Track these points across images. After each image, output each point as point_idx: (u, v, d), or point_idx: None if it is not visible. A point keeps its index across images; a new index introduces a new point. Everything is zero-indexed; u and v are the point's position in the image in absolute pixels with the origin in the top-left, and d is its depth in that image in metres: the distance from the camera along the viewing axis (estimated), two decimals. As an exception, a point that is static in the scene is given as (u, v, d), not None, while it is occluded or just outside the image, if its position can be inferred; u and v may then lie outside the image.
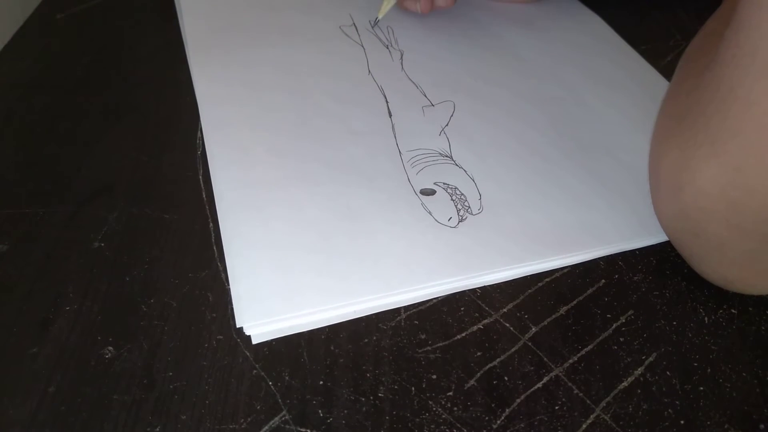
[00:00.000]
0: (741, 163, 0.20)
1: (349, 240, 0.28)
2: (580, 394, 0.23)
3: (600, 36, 0.43)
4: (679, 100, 0.24)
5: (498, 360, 0.24)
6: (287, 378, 0.23)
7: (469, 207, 0.30)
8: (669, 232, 0.26)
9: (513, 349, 0.25)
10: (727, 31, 0.21)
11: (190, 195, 0.30)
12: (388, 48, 0.40)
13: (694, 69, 0.24)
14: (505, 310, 0.26)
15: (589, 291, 0.27)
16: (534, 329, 0.25)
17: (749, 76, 0.19)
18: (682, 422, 0.23)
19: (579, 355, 0.25)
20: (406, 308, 0.26)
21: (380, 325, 0.25)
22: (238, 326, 0.24)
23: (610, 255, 0.28)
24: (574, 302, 0.26)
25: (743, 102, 0.20)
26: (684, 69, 0.26)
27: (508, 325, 0.26)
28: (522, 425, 0.22)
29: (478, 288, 0.27)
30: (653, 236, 0.29)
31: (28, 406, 0.22)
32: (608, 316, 0.26)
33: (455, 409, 0.23)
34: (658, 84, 0.38)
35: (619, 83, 0.38)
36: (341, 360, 0.24)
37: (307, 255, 0.27)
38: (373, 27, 0.41)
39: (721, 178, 0.21)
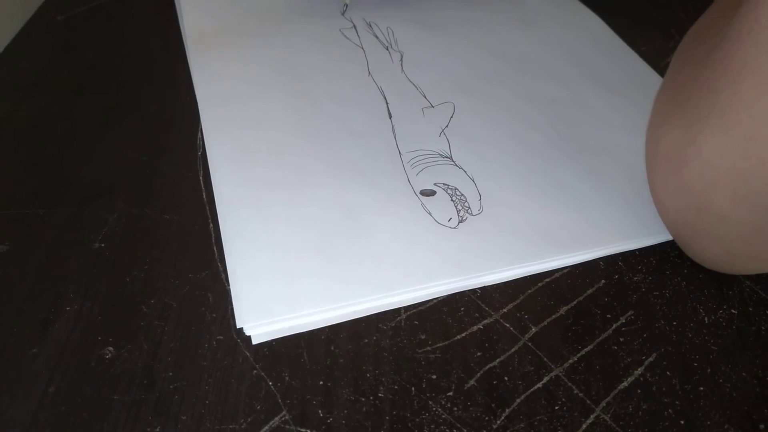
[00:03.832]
0: (753, 133, 0.21)
1: (349, 241, 0.28)
2: (580, 394, 0.23)
3: (599, 36, 0.43)
4: (680, 84, 0.25)
5: (498, 360, 0.24)
6: (287, 378, 0.23)
7: (469, 207, 0.30)
8: (669, 214, 0.26)
9: (513, 349, 0.25)
10: (741, 8, 0.21)
11: (191, 195, 0.30)
12: (387, 49, 0.40)
13: (694, 56, 0.25)
14: (505, 310, 0.26)
15: (589, 291, 0.27)
16: (534, 329, 0.25)
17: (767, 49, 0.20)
18: (682, 422, 0.23)
19: (579, 355, 0.25)
20: (406, 308, 0.26)
21: (380, 325, 0.25)
22: (238, 326, 0.24)
23: (610, 255, 0.28)
24: (574, 302, 0.27)
25: (758, 73, 0.20)
26: (681, 58, 0.27)
27: (508, 325, 0.26)
28: (522, 425, 0.22)
29: (478, 288, 0.27)
30: (653, 236, 0.29)
31: (28, 406, 0.22)
32: (608, 316, 0.26)
33: (455, 409, 0.23)
34: (657, 84, 0.38)
35: (619, 83, 0.38)
36: (341, 360, 0.24)
37: (307, 255, 0.27)
38: (342, 14, 0.42)
39: (731, 149, 0.21)
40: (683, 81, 0.25)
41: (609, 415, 0.23)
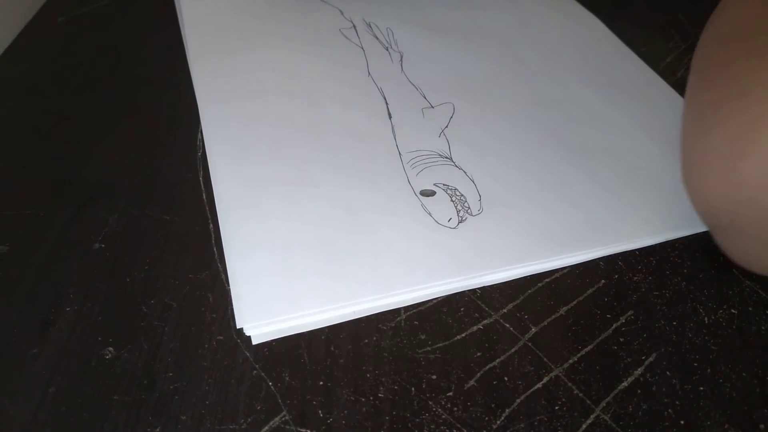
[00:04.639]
0: None
1: (349, 241, 0.28)
2: (580, 394, 0.23)
3: (599, 38, 0.43)
4: (732, 78, 0.24)
5: (498, 360, 0.24)
6: (287, 378, 0.23)
7: (469, 208, 0.30)
8: (710, 201, 0.25)
9: (513, 350, 0.25)
10: None
11: (191, 196, 0.30)
12: (387, 50, 0.40)
13: (746, 51, 0.24)
14: (504, 310, 0.26)
15: (589, 291, 0.27)
16: (534, 329, 0.25)
17: None
18: (682, 422, 0.23)
19: (579, 355, 0.25)
20: (406, 309, 0.26)
21: (380, 325, 0.25)
22: (238, 327, 0.24)
23: (610, 255, 0.28)
24: (574, 302, 0.27)
25: None
26: (726, 51, 0.25)
27: (508, 325, 0.26)
28: (522, 425, 0.22)
29: (477, 288, 0.27)
30: (653, 236, 0.29)
31: (28, 407, 0.22)
32: (608, 316, 0.26)
33: (455, 409, 0.23)
34: (657, 85, 0.38)
35: (618, 85, 0.38)
36: (341, 360, 0.24)
37: (307, 256, 0.27)
38: None
39: None
40: (736, 75, 0.24)
41: (609, 415, 0.23)
